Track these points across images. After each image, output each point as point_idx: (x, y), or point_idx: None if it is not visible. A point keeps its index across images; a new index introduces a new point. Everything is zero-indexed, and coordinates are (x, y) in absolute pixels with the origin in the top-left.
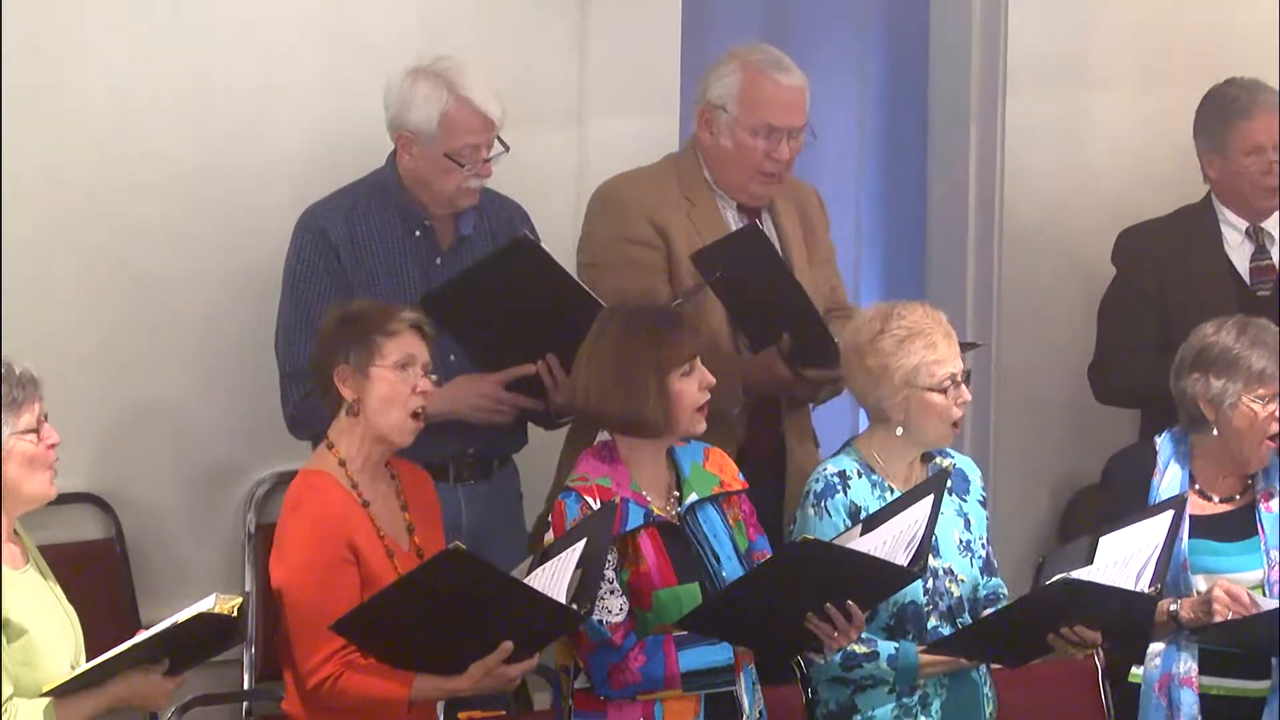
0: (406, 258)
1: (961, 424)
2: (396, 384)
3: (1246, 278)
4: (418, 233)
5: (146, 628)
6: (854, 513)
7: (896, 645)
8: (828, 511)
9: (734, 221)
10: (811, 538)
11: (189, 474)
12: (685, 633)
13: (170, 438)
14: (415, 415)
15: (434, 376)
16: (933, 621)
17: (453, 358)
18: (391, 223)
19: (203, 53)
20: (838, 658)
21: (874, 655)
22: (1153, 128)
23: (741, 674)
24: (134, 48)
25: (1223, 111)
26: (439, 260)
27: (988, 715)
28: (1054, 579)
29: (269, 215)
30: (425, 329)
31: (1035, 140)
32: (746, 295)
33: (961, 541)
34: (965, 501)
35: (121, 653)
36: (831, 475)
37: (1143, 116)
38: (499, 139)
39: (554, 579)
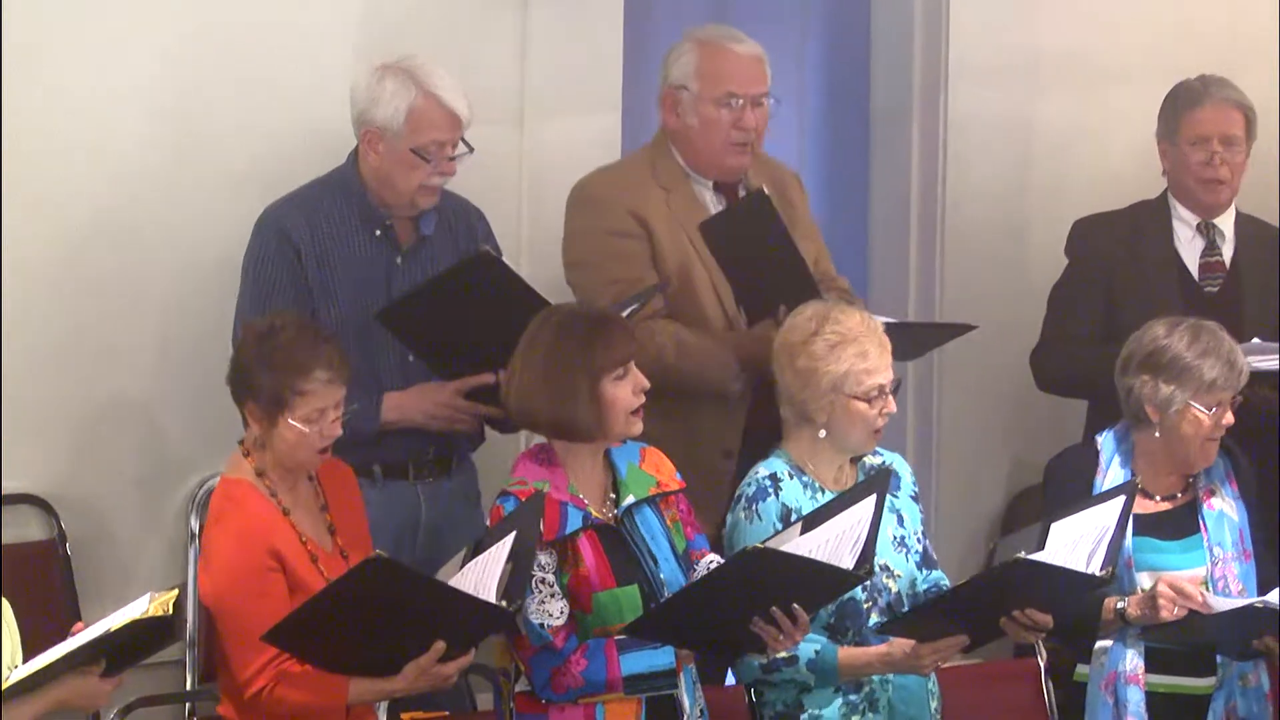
0: (367, 258)
1: (883, 433)
2: (303, 436)
3: (1195, 274)
4: (378, 232)
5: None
6: (785, 515)
7: (817, 649)
8: (759, 515)
9: (712, 203)
10: (761, 546)
11: (132, 475)
12: (627, 636)
13: (113, 439)
14: (323, 451)
15: (348, 411)
16: (874, 618)
17: (411, 359)
18: (352, 222)
19: (160, 53)
20: (756, 661)
21: (794, 660)
22: (1094, 122)
23: (681, 674)
24: (94, 47)
25: (1178, 100)
26: (399, 259)
27: (933, 712)
28: (1008, 559)
29: (219, 215)
30: (342, 375)
31: (977, 135)
32: (748, 265)
33: (895, 537)
34: (897, 497)
35: (56, 660)
36: (763, 478)
37: (1084, 111)
38: (463, 140)
39: (485, 574)
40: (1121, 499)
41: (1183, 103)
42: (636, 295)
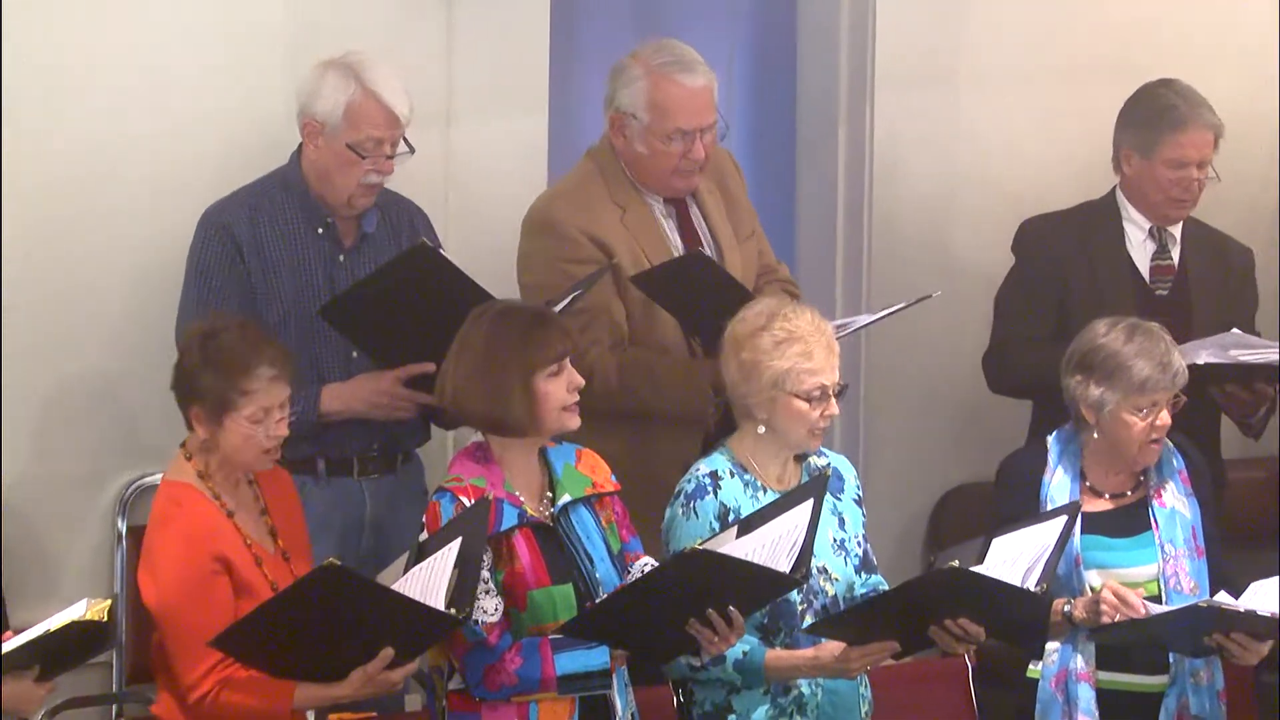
0: (309, 255)
1: (824, 434)
2: (250, 435)
3: (1146, 276)
4: (320, 230)
5: (17, 632)
6: (723, 515)
7: (745, 649)
8: (695, 513)
9: (663, 216)
10: (699, 548)
11: (58, 478)
12: (562, 635)
13: (38, 442)
14: (269, 451)
15: (292, 410)
16: (808, 620)
17: (355, 355)
18: (294, 220)
19: (98, 50)
20: (683, 659)
21: (721, 659)
22: (1022, 126)
23: (614, 675)
24: (42, 43)
25: (1159, 116)
26: (342, 258)
27: (863, 715)
28: (943, 566)
29: (149, 220)
30: (286, 373)
31: (904, 139)
32: (693, 301)
33: (836, 540)
34: (840, 500)
35: None
36: (703, 476)
37: (1012, 115)
38: (405, 140)
39: (431, 579)
40: (1063, 519)
41: (1167, 121)
42: (582, 281)
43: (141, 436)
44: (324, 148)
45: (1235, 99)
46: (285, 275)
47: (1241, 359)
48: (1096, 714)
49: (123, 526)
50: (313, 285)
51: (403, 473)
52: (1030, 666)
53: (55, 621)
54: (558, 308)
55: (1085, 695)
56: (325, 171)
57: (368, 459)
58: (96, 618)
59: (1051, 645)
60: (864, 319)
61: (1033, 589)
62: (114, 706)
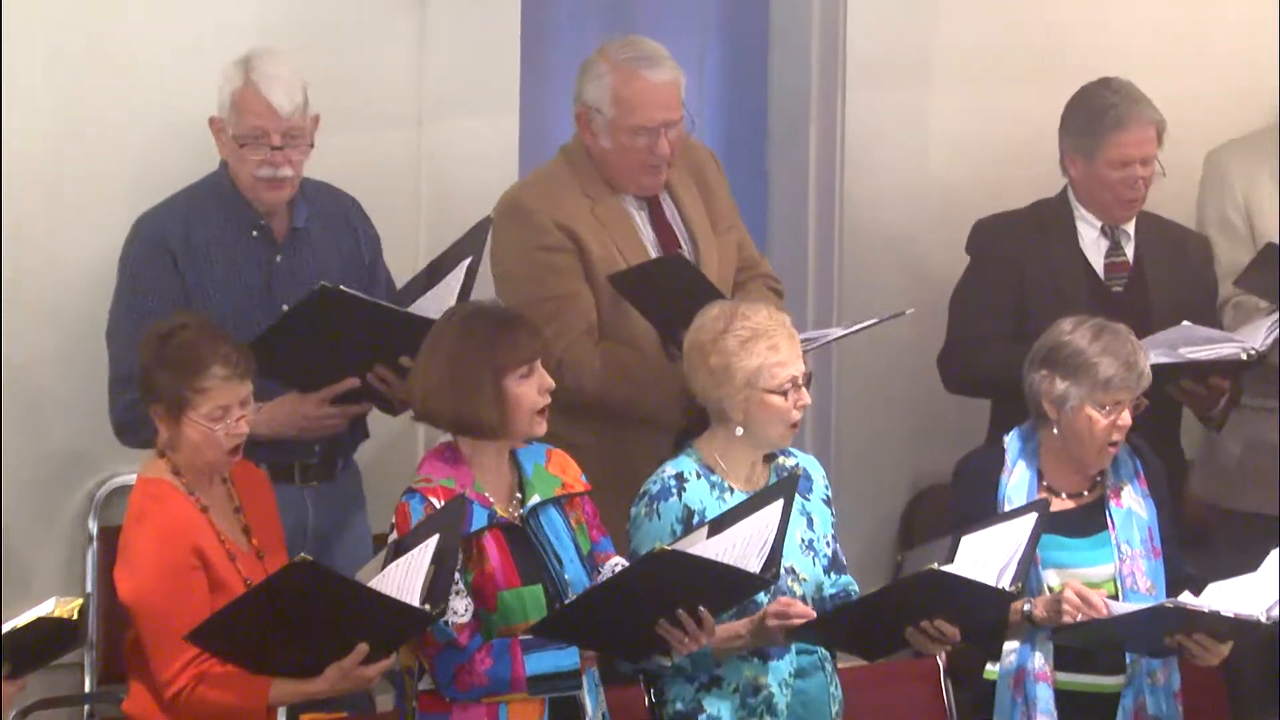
0: (246, 258)
1: (800, 426)
2: (209, 433)
3: (1101, 273)
4: (254, 232)
5: None
6: (686, 518)
7: None
8: (659, 514)
9: (635, 210)
10: (668, 548)
11: (27, 478)
12: (532, 636)
13: (6, 441)
14: (234, 450)
15: (252, 408)
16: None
17: None
18: (227, 224)
19: (46, 52)
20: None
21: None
22: (992, 125)
23: (584, 676)
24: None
25: (1098, 117)
26: (279, 258)
27: (833, 715)
28: (922, 569)
29: (112, 210)
30: (241, 371)
31: (875, 137)
32: (672, 309)
33: (804, 540)
34: (808, 500)
35: None
36: (669, 478)
37: (982, 114)
38: (312, 138)
39: (408, 577)
40: (1033, 516)
41: (1106, 121)
42: (463, 243)
43: (109, 435)
44: (225, 142)
45: (1202, 96)
46: (221, 279)
47: (1190, 358)
48: (1055, 714)
49: (94, 527)
50: (250, 287)
51: (343, 478)
52: (988, 667)
53: (22, 619)
54: (454, 283)
55: (1043, 695)
56: (231, 166)
57: (309, 466)
58: (65, 615)
59: (1009, 645)
60: (835, 332)
61: (1007, 589)
62: (85, 707)
